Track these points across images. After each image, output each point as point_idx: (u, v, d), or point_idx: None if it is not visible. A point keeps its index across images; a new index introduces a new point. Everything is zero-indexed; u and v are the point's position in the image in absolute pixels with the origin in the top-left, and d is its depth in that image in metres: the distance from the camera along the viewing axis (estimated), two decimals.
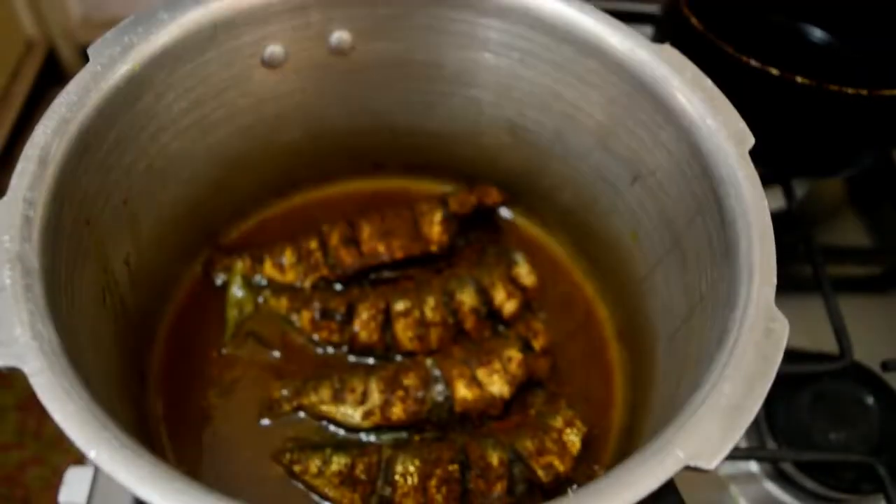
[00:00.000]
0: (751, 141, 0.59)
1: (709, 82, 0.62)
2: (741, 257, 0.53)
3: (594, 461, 0.70)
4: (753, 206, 0.55)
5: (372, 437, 0.70)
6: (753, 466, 0.81)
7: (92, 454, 0.40)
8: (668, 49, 0.64)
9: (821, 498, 0.78)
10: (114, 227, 0.64)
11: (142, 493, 0.39)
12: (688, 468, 0.43)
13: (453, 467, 0.65)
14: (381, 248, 0.78)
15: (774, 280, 0.51)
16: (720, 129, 0.59)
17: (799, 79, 0.77)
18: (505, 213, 0.86)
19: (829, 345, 0.82)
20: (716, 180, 0.58)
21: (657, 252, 0.68)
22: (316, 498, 0.66)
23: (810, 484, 0.78)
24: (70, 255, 0.56)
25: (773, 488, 0.79)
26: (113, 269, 0.64)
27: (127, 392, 0.65)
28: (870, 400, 0.81)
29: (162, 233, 0.72)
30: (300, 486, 0.67)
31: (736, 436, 0.44)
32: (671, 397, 0.59)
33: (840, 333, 0.82)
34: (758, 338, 0.48)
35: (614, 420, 0.73)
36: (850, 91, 0.76)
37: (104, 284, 0.62)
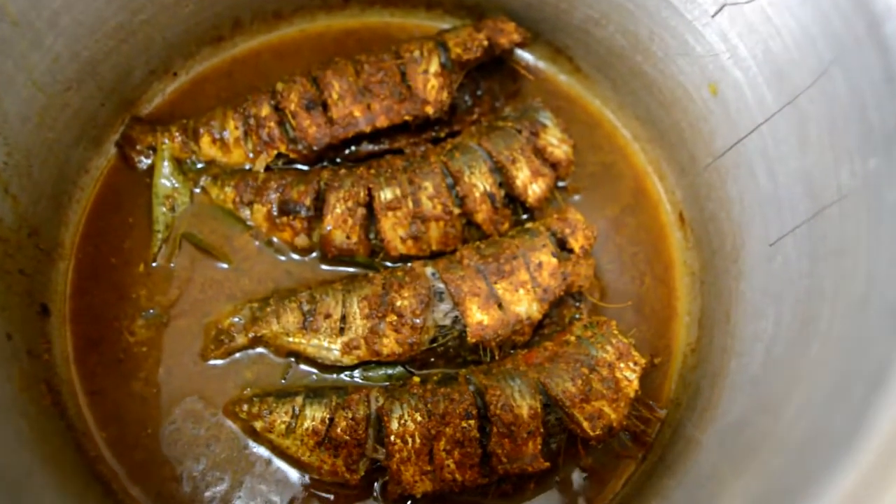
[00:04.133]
0: None
1: None
2: None
3: (651, 397, 0.53)
4: None
5: (357, 378, 0.53)
6: None
7: None
8: None
9: None
10: None
11: None
12: None
13: (468, 423, 0.48)
14: (358, 113, 0.57)
15: None
16: None
17: None
18: (526, 56, 0.64)
19: None
20: (877, 12, 0.36)
21: (752, 114, 0.48)
22: (282, 465, 0.50)
23: None
24: None
25: None
26: None
27: (17, 336, 0.47)
28: None
29: (45, 106, 0.51)
30: (262, 449, 0.50)
31: None
32: (788, 334, 0.40)
33: None
34: None
35: (677, 337, 0.56)
36: None
37: None
